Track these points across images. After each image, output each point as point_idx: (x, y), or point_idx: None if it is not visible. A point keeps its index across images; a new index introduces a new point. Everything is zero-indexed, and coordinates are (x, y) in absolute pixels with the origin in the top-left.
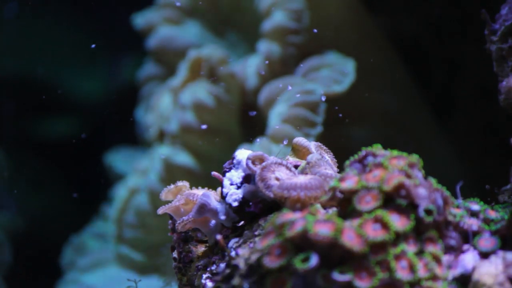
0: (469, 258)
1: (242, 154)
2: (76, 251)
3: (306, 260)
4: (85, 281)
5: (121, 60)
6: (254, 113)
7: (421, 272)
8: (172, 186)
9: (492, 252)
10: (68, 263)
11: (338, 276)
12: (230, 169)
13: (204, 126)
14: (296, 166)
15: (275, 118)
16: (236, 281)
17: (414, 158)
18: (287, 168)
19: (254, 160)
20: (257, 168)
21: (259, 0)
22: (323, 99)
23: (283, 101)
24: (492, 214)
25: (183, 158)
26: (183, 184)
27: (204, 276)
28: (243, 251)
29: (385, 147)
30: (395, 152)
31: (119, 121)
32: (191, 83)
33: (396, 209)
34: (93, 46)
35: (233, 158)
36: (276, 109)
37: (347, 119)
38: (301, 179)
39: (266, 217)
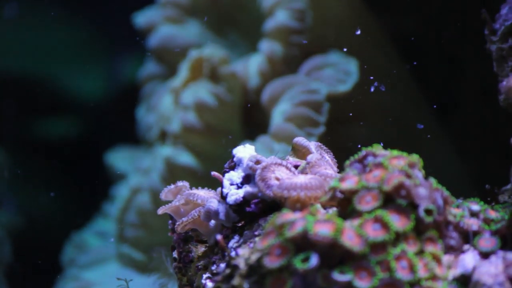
0: (469, 258)
1: (241, 152)
2: (77, 249)
3: (306, 260)
4: (84, 278)
5: (122, 59)
6: None
7: (421, 272)
8: (172, 186)
9: (492, 252)
10: (69, 260)
11: (338, 276)
12: (230, 169)
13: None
14: (296, 166)
15: (278, 117)
16: (236, 281)
17: (414, 158)
18: (287, 168)
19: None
20: (257, 167)
21: None
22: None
23: (287, 99)
24: (492, 214)
25: (185, 158)
26: (183, 184)
27: (204, 276)
28: (243, 251)
29: (385, 146)
30: (395, 152)
31: (120, 120)
32: (192, 83)
33: (396, 209)
34: None
35: (233, 157)
36: (280, 108)
37: (347, 118)
38: (301, 179)
39: (266, 217)
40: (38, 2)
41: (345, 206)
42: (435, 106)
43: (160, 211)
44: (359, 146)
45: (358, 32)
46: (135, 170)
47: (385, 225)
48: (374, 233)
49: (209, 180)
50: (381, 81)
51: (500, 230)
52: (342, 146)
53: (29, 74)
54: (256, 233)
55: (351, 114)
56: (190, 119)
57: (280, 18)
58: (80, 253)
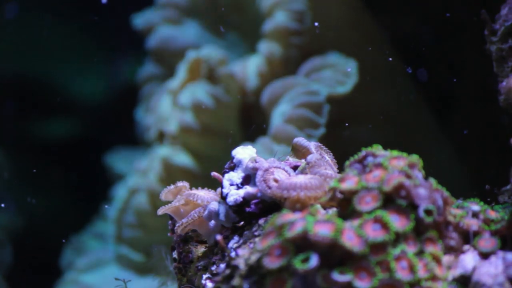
0: (469, 259)
1: (241, 153)
2: (76, 251)
3: (306, 260)
4: (84, 281)
5: (121, 60)
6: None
7: (421, 273)
8: (172, 186)
9: (492, 252)
10: (68, 263)
11: (338, 277)
12: (230, 170)
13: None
14: (296, 167)
15: (278, 118)
16: (236, 281)
17: (414, 158)
18: (285, 171)
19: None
20: (259, 167)
21: (260, 0)
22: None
23: (287, 101)
24: (492, 215)
25: (183, 159)
26: (183, 184)
27: (204, 276)
28: (243, 252)
29: (385, 147)
30: (395, 153)
31: (119, 121)
32: (190, 83)
33: (396, 210)
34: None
35: (232, 158)
36: (279, 109)
37: (348, 119)
38: (301, 179)
39: (266, 218)
40: (38, 3)
41: (345, 206)
42: (434, 107)
43: (160, 211)
44: (359, 146)
45: None
46: (133, 170)
47: (385, 226)
48: (374, 233)
49: (206, 180)
50: (381, 82)
51: (500, 231)
52: (342, 146)
53: (29, 75)
54: (256, 233)
55: (350, 115)
56: (187, 119)
57: (279, 19)
58: (79, 256)
